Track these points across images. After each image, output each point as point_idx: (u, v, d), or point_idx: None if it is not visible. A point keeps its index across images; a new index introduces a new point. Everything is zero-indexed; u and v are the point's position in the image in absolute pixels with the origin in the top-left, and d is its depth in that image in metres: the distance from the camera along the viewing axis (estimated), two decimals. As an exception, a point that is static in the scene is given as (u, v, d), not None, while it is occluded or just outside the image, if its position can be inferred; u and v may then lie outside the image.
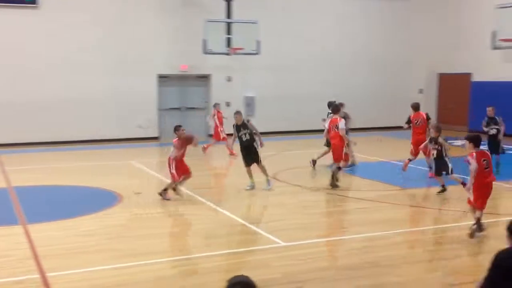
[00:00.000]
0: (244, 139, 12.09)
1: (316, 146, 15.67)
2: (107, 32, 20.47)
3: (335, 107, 13.07)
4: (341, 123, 12.32)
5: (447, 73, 24.55)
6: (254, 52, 19.27)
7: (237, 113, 12.40)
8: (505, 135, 14.06)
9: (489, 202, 8.67)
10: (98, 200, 11.36)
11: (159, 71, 21.62)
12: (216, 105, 18.09)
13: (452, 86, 24.37)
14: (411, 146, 13.49)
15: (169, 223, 10.24)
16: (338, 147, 12.41)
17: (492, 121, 13.92)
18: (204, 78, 22.61)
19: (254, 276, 3.42)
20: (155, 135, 21.76)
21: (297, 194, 11.99)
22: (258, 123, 15.82)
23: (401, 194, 12.03)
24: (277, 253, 7.97)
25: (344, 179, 12.95)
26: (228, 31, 19.20)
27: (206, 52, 18.93)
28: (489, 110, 14.03)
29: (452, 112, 24.20)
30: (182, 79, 22.33)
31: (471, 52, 22.61)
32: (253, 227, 9.37)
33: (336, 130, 12.35)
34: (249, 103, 22.75)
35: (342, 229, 9.73)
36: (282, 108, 22.63)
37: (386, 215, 10.25)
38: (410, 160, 13.26)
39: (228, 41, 19.14)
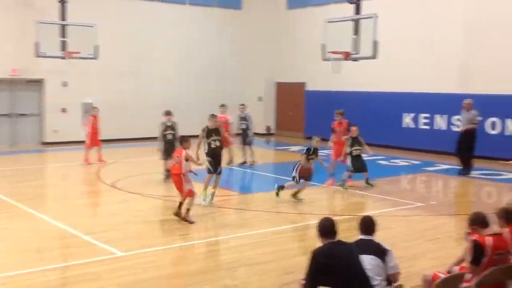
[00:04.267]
0: (213, 145, 11.39)
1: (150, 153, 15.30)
2: None
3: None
4: None
5: (284, 82, 25.67)
6: (92, 56, 18.47)
7: (212, 116, 11.59)
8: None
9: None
10: None
11: (-15, 74, 19.99)
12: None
13: (289, 94, 25.54)
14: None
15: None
16: None
17: (356, 141, 13.25)
18: (37, 83, 21.29)
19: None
20: (-19, 143, 20.06)
21: (135, 202, 11.67)
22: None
23: (242, 198, 12.25)
24: (113, 264, 7.66)
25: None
26: (63, 34, 18.20)
27: (39, 55, 17.78)
28: (354, 130, 13.32)
29: (291, 118, 25.35)
30: (12, 83, 20.81)
31: (305, 63, 23.85)
32: (88, 238, 8.92)
33: None
34: (87, 109, 21.80)
35: (182, 236, 9.58)
36: (121, 115, 22.02)
37: (226, 220, 10.38)
38: None
39: (63, 44, 18.13)
